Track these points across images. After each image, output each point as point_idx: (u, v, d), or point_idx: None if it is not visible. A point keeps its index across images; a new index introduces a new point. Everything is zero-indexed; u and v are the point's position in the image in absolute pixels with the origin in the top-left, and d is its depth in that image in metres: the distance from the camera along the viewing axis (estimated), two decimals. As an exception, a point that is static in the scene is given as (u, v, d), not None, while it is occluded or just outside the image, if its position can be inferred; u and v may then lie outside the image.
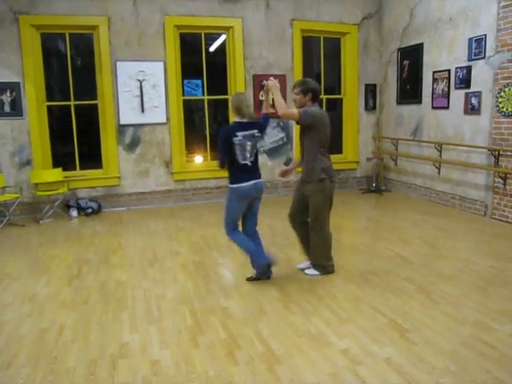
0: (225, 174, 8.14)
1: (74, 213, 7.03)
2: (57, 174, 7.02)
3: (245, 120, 4.11)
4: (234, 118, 4.25)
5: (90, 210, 7.09)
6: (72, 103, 7.29)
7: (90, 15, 6.99)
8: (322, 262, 4.40)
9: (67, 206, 7.13)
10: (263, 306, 3.76)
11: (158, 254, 5.23)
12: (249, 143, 4.07)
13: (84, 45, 7.42)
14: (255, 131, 4.12)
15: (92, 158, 7.55)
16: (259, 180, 4.21)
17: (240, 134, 4.04)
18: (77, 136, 7.40)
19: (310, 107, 4.15)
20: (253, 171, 4.17)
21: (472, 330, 3.23)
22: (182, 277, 4.48)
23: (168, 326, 3.43)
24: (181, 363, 2.91)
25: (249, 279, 4.29)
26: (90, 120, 7.56)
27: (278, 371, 2.79)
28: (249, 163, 4.12)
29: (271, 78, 4.24)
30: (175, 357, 2.99)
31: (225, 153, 4.05)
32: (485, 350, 2.97)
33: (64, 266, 4.88)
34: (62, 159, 7.44)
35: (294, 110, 4.10)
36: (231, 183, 4.14)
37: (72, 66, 7.26)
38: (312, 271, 4.43)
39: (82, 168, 7.49)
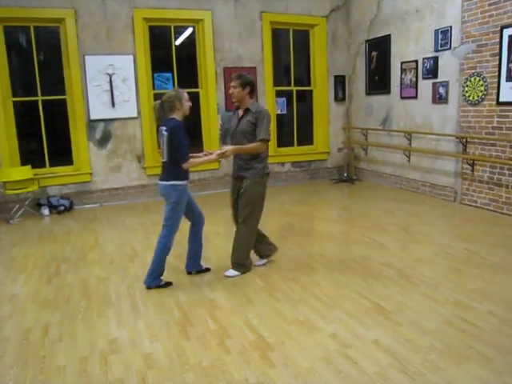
0: (197, 167, 8.15)
1: (46, 211, 6.87)
2: (26, 172, 6.83)
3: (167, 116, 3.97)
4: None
5: (61, 208, 6.94)
6: (39, 98, 7.10)
7: (55, 7, 6.80)
8: (244, 261, 4.29)
9: (38, 205, 6.96)
10: (249, 295, 3.80)
11: (137, 249, 5.19)
12: (160, 140, 3.93)
13: (50, 38, 7.21)
14: (163, 128, 3.89)
15: (62, 154, 7.37)
16: (160, 182, 4.00)
17: (160, 128, 3.96)
18: (45, 132, 7.21)
19: (257, 107, 4.12)
20: (162, 170, 4.02)
21: (452, 310, 3.38)
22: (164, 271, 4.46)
23: (156, 320, 3.43)
24: (173, 355, 2.92)
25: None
26: (58, 116, 7.36)
27: (272, 358, 2.84)
28: (163, 160, 3.97)
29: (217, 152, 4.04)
30: (167, 349, 3.00)
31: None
32: (466, 327, 3.11)
33: (41, 264, 4.78)
34: (30, 156, 7.22)
35: (261, 143, 4.02)
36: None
37: (38, 61, 7.05)
38: (233, 272, 4.27)
39: (51, 165, 7.30)
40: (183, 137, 3.85)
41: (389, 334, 3.07)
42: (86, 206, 7.37)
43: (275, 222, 6.06)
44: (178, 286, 4.07)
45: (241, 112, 4.19)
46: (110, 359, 2.91)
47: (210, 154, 4.13)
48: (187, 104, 3.96)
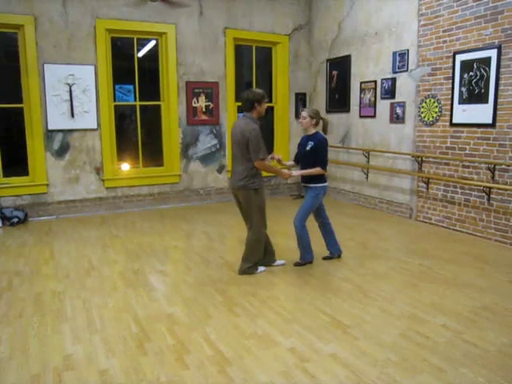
0: (157, 180, 8.03)
1: (-2, 223, 6.63)
2: (-22, 182, 6.58)
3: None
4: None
5: (15, 220, 6.70)
6: (-6, 106, 6.89)
7: (14, 13, 6.63)
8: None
9: (-10, 216, 6.70)
10: (208, 310, 3.78)
11: (94, 262, 5.07)
12: None
13: (8, 44, 7.02)
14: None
15: (17, 164, 7.13)
16: None
17: None
18: (0, 141, 6.97)
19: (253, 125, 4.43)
20: None
21: (408, 323, 3.47)
22: (121, 285, 4.38)
23: (112, 335, 3.35)
24: (130, 371, 2.86)
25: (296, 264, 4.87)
26: (14, 124, 7.15)
27: (230, 373, 2.82)
28: None
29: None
30: (124, 365, 2.93)
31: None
32: (420, 340, 3.20)
33: (-9, 278, 4.60)
34: (-17, 166, 6.98)
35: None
36: (322, 182, 4.70)
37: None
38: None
39: (5, 175, 7.04)
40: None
41: (346, 347, 3.11)
42: (42, 218, 7.15)
43: (235, 236, 6.05)
44: (136, 300, 4.00)
45: None
46: (64, 376, 2.82)
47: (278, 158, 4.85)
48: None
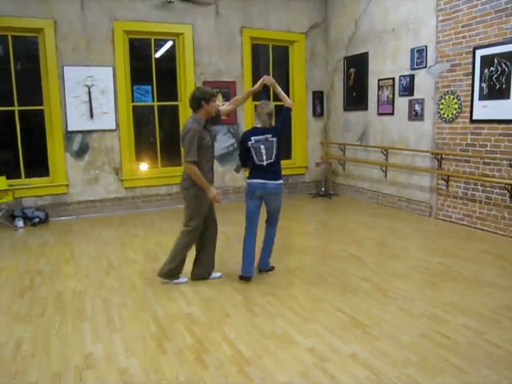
0: (176, 180, 8.11)
1: (20, 223, 6.73)
2: (0, 183, 6.70)
3: (259, 126, 4.39)
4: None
5: (36, 220, 6.81)
6: (16, 109, 6.99)
7: (34, 17, 6.74)
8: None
9: (12, 216, 6.81)
10: (226, 309, 3.78)
11: (114, 262, 5.12)
12: (262, 146, 4.28)
13: (29, 48, 7.14)
14: (269, 135, 4.29)
15: (38, 165, 7.25)
16: (270, 181, 4.31)
17: (253, 138, 4.31)
18: (21, 143, 7.09)
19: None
20: (266, 172, 4.32)
21: (428, 323, 3.42)
22: (140, 284, 4.41)
23: (132, 334, 3.38)
24: (150, 370, 2.88)
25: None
26: (35, 126, 7.28)
27: (249, 372, 2.82)
28: (264, 164, 4.30)
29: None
30: (143, 364, 2.96)
31: (241, 154, 4.47)
32: (441, 340, 3.16)
33: (14, 277, 4.67)
34: (5, 167, 7.08)
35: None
36: (247, 179, 4.49)
37: (15, 70, 6.96)
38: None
39: (27, 176, 7.17)
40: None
41: (366, 347, 3.09)
42: (62, 218, 7.25)
43: (253, 235, 6.05)
44: (156, 299, 4.03)
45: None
46: (84, 375, 2.85)
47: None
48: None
